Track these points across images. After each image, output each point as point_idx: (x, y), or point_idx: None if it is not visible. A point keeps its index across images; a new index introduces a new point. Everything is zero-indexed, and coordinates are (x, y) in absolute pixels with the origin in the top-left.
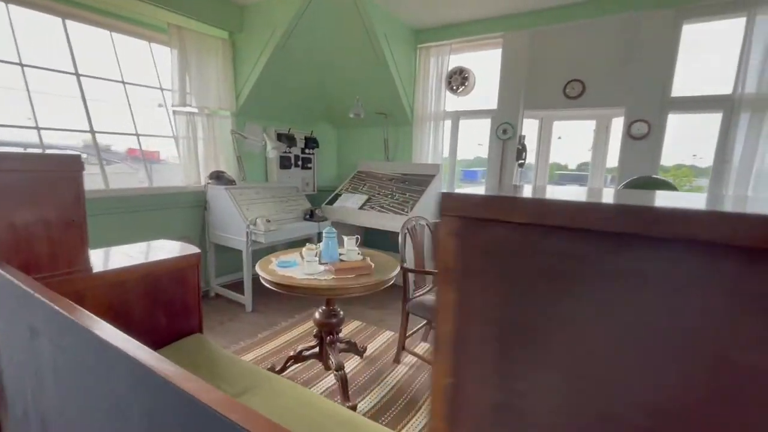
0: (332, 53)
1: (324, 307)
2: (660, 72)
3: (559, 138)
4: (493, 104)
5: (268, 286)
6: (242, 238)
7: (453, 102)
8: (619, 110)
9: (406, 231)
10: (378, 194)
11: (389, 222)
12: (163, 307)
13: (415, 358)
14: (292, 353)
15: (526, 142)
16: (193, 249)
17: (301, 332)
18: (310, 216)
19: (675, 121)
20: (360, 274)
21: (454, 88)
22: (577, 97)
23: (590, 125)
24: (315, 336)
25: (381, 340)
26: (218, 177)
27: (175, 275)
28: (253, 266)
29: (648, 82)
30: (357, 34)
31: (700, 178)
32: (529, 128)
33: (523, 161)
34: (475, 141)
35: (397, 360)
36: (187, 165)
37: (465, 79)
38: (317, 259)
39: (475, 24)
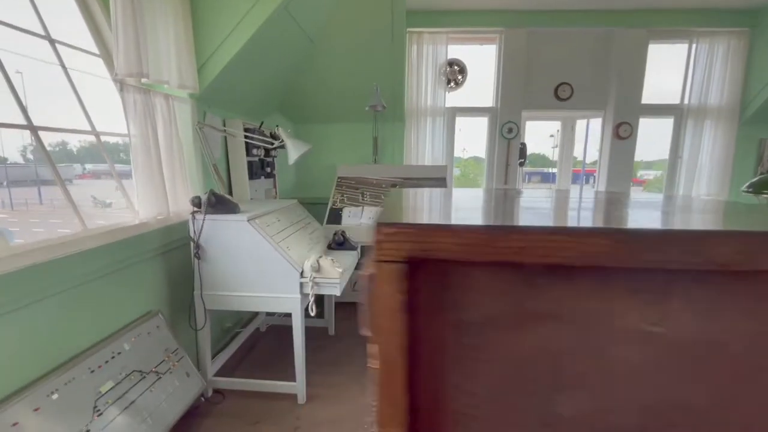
0: (335, 20)
1: None
2: (633, 81)
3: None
4: (483, 101)
5: None
6: (293, 294)
7: (443, 98)
8: (589, 112)
9: None
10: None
11: None
12: None
13: None
14: None
15: (525, 141)
16: None
17: None
18: (342, 243)
19: (643, 124)
20: None
21: (450, 82)
22: (567, 99)
23: (554, 125)
24: None
25: None
26: (218, 201)
27: None
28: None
29: (626, 89)
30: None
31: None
32: None
33: (523, 160)
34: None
35: None
36: (147, 182)
37: (461, 72)
38: None
39: (473, 15)
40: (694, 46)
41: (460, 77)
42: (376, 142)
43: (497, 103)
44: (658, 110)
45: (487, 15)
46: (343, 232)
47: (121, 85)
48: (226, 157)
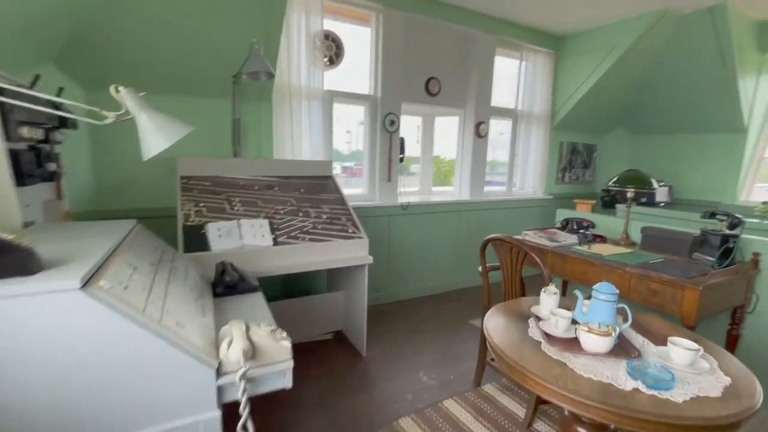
0: None
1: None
2: (486, 84)
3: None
4: (360, 87)
5: None
6: (206, 413)
7: (319, 78)
8: (444, 109)
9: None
10: (275, 214)
11: (349, 254)
12: None
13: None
14: None
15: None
16: None
17: None
18: (235, 284)
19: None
20: None
21: (325, 57)
22: (436, 94)
23: (415, 120)
24: None
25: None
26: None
27: None
28: None
29: (481, 91)
30: None
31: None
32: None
33: (403, 156)
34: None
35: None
36: None
37: (338, 48)
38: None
39: None
40: (524, 62)
41: (335, 54)
42: (237, 128)
43: (377, 91)
44: (502, 113)
45: None
46: (232, 264)
47: None
48: None
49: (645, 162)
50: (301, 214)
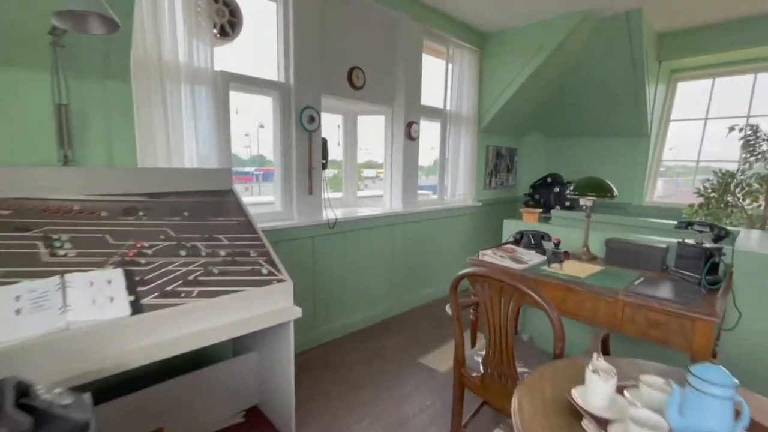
0: None
1: None
2: (415, 79)
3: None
4: (266, 72)
5: None
6: None
7: (206, 54)
8: (369, 106)
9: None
10: (137, 257)
11: (267, 306)
12: None
13: None
14: None
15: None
16: None
17: None
18: (40, 425)
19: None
20: None
21: (215, 26)
22: (361, 87)
23: (335, 119)
24: None
25: None
26: None
27: None
28: None
29: (410, 86)
30: None
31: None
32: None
33: (326, 161)
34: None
35: None
36: None
37: (233, 15)
38: None
39: None
40: (450, 63)
41: (229, 23)
42: (65, 119)
43: (288, 78)
44: (431, 113)
45: None
46: (23, 383)
47: None
48: None
49: (559, 165)
50: (184, 253)
